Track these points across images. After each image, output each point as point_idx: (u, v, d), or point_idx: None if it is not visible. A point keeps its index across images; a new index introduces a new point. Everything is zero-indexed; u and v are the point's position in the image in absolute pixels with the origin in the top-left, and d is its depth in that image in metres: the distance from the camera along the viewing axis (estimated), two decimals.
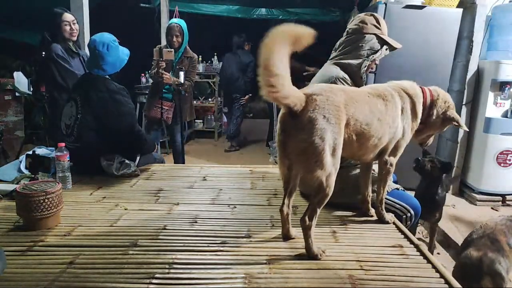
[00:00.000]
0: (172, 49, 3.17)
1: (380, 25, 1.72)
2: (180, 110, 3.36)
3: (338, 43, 1.81)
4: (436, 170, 2.33)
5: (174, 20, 3.41)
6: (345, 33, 1.79)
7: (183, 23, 3.31)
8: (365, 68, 1.70)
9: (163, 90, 3.30)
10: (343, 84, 1.66)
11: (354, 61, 1.71)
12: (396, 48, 1.74)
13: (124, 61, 2.21)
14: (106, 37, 2.12)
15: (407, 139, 1.50)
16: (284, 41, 1.11)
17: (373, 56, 1.70)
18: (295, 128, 1.21)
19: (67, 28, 2.82)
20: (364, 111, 1.33)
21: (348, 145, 1.32)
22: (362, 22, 1.72)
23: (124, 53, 2.19)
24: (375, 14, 1.76)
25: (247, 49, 5.43)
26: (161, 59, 3.11)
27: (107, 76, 2.15)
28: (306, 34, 1.15)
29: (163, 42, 4.71)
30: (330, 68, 1.75)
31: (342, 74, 1.70)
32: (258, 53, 1.10)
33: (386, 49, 1.73)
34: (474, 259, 1.59)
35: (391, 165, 1.51)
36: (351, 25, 1.77)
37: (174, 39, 3.26)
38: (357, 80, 1.72)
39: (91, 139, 2.07)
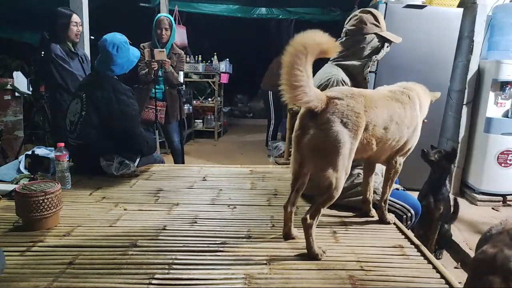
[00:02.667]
0: (164, 49, 3.11)
1: (379, 22, 1.69)
2: (173, 108, 3.31)
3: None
4: (443, 159, 2.44)
5: (163, 14, 3.35)
6: (343, 34, 1.76)
7: (171, 18, 3.26)
8: (369, 69, 1.69)
9: (155, 91, 3.24)
10: (341, 86, 1.65)
11: (357, 63, 1.70)
12: (395, 42, 1.73)
13: (133, 62, 2.22)
14: (117, 38, 2.13)
15: (417, 140, 1.51)
16: (308, 51, 1.11)
17: (375, 57, 1.70)
18: (313, 126, 1.23)
19: (75, 29, 2.85)
20: (383, 116, 1.34)
21: (367, 148, 1.34)
22: (361, 22, 1.68)
23: (134, 54, 2.20)
24: (372, 10, 1.72)
25: None
26: (153, 60, 3.05)
27: (115, 76, 2.16)
28: (331, 47, 1.15)
29: None
30: (331, 69, 1.73)
31: (341, 76, 1.68)
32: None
33: (387, 46, 1.72)
34: (489, 256, 1.57)
35: (400, 165, 1.51)
36: (349, 25, 1.73)
37: (164, 32, 3.17)
38: (360, 81, 1.71)
39: (93, 137, 2.07)
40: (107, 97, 2.06)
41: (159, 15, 3.29)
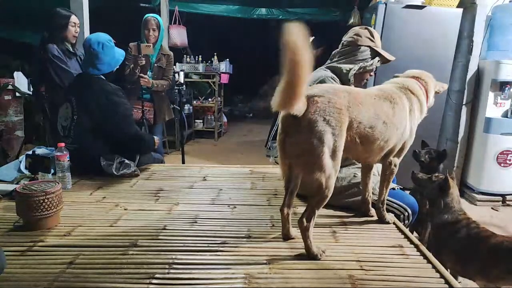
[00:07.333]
0: (151, 44, 3.05)
1: (374, 38, 1.78)
2: (160, 109, 3.27)
3: (333, 53, 1.87)
4: (433, 161, 2.46)
5: (151, 14, 3.25)
6: (340, 45, 1.84)
7: (160, 18, 3.22)
8: (354, 72, 1.74)
9: (142, 91, 3.17)
10: (331, 82, 1.69)
11: (344, 66, 1.77)
12: (389, 61, 1.81)
13: (120, 61, 2.21)
14: (102, 36, 2.13)
15: (412, 139, 1.50)
16: (306, 47, 1.02)
17: (364, 63, 1.75)
18: (295, 129, 1.21)
19: (73, 29, 2.84)
20: (369, 114, 1.32)
21: (352, 147, 1.32)
22: (356, 35, 1.78)
23: (119, 53, 2.20)
24: (369, 27, 1.83)
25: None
26: (140, 54, 2.98)
27: (102, 76, 2.15)
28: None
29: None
30: (320, 71, 1.80)
31: (330, 74, 1.75)
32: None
33: (378, 61, 1.79)
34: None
35: (395, 165, 1.51)
36: (346, 37, 1.82)
37: (151, 33, 3.11)
38: (345, 83, 1.74)
39: (88, 140, 2.06)
40: (97, 99, 2.04)
41: (146, 15, 3.21)
